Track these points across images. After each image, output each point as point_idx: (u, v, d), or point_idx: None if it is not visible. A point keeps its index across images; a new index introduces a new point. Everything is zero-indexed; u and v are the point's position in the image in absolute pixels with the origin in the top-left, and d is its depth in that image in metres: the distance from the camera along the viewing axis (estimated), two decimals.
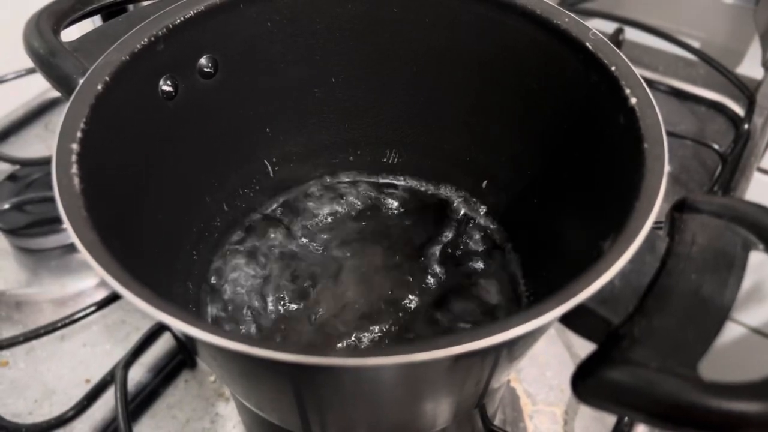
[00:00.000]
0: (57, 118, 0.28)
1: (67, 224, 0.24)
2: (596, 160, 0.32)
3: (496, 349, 0.23)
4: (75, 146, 0.27)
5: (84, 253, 0.23)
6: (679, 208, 0.27)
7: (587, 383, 0.22)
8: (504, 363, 0.29)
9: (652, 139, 0.27)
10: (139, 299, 0.22)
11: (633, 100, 0.28)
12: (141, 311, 0.21)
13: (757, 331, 0.85)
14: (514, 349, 0.27)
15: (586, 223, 0.31)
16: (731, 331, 0.86)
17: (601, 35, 0.32)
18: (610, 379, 0.22)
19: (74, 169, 0.26)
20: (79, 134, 0.27)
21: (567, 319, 0.24)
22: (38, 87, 0.74)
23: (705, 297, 0.23)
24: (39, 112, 0.74)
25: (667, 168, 0.25)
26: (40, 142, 0.71)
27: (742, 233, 0.25)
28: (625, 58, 0.30)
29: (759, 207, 0.25)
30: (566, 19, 0.33)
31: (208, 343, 0.21)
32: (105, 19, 0.37)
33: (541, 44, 0.34)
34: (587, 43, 0.31)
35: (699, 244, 0.25)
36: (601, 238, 0.26)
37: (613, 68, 0.30)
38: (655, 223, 0.24)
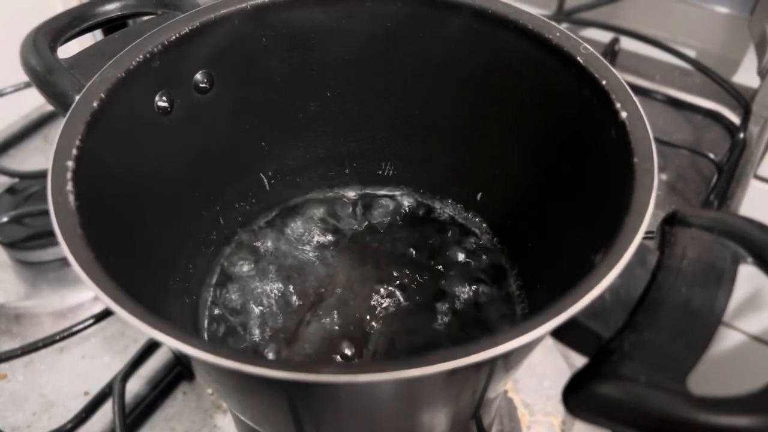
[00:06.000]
0: (56, 131, 0.28)
1: (61, 242, 0.24)
2: (588, 174, 0.32)
3: (487, 363, 0.24)
4: (70, 163, 0.27)
5: (78, 271, 0.23)
6: (670, 222, 0.27)
7: (577, 397, 0.23)
8: (498, 375, 0.29)
9: (642, 154, 0.27)
10: (133, 316, 0.22)
11: (623, 114, 0.29)
12: (135, 328, 0.22)
13: (757, 339, 0.85)
14: (506, 362, 0.27)
15: (578, 237, 0.31)
16: (732, 339, 0.87)
17: (592, 49, 0.32)
18: (599, 394, 0.22)
19: (69, 186, 0.26)
20: (74, 151, 0.27)
21: (558, 333, 0.24)
22: (37, 100, 0.75)
23: (694, 311, 0.23)
24: (38, 124, 0.75)
25: (656, 182, 0.26)
26: (39, 155, 0.71)
27: (732, 247, 0.25)
28: (616, 73, 0.30)
29: (748, 221, 0.25)
30: (557, 34, 0.33)
31: (200, 360, 0.21)
32: (106, 34, 0.37)
33: (533, 58, 0.34)
34: (578, 57, 0.32)
35: (689, 258, 0.25)
36: (593, 252, 0.26)
37: (603, 82, 0.30)
38: (647, 233, 0.24)
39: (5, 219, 0.58)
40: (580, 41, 0.32)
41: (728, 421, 0.20)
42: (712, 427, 0.20)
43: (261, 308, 0.40)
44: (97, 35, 0.61)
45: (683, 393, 0.21)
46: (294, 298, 0.40)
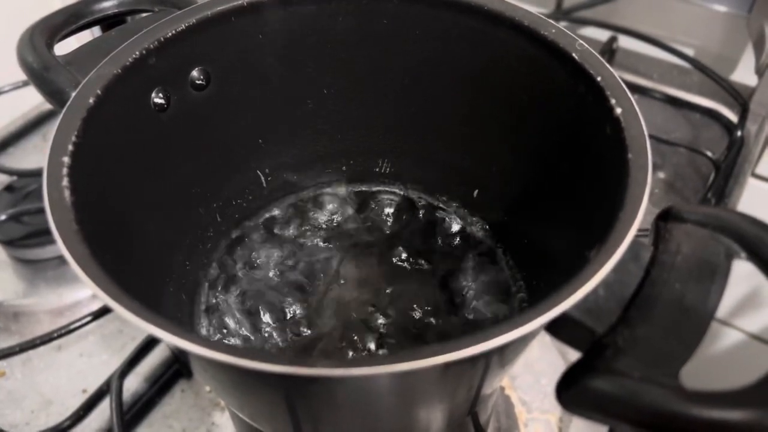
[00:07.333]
0: (54, 129, 0.29)
1: (57, 238, 0.24)
2: (584, 171, 0.33)
3: (482, 357, 0.24)
4: (66, 159, 0.27)
5: (74, 267, 0.23)
6: (665, 218, 0.27)
7: (571, 392, 0.23)
8: (493, 370, 0.29)
9: (637, 149, 0.27)
10: (129, 312, 0.22)
11: (618, 110, 0.29)
12: (131, 324, 0.22)
13: (755, 337, 0.85)
14: (502, 356, 0.27)
15: (574, 233, 0.31)
16: (730, 337, 0.87)
17: (587, 46, 0.32)
18: (593, 388, 0.22)
19: (65, 182, 0.26)
20: (70, 147, 0.27)
21: (552, 328, 0.24)
22: (36, 98, 0.75)
23: (688, 306, 0.23)
24: (37, 123, 0.75)
25: (650, 178, 0.26)
26: (37, 153, 0.71)
27: (726, 242, 0.25)
28: (611, 69, 0.30)
29: (742, 216, 0.25)
30: (553, 30, 0.33)
31: (196, 354, 0.21)
32: (104, 31, 0.37)
33: (530, 56, 0.34)
34: (574, 54, 0.32)
35: (683, 253, 0.25)
36: (588, 248, 0.26)
37: (598, 78, 0.30)
38: (642, 230, 0.24)
39: (3, 217, 0.59)
40: (576, 38, 0.32)
41: (721, 414, 0.20)
42: (705, 421, 0.20)
43: (257, 306, 0.40)
44: (94, 32, 0.61)
45: (676, 387, 0.21)
46: (291, 295, 0.40)
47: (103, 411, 0.48)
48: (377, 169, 0.46)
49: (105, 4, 0.38)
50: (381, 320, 0.39)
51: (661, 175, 0.66)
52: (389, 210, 0.45)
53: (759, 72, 0.66)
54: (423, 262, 0.42)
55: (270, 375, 0.21)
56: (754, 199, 0.69)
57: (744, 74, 0.74)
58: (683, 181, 0.66)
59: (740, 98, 0.69)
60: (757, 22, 0.67)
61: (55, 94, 0.33)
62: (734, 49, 0.76)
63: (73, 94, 0.30)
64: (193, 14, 0.35)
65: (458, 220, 0.44)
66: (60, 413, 0.48)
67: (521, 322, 0.21)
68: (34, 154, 0.71)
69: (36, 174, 0.64)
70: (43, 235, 0.58)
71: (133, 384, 0.50)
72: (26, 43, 0.34)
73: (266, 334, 0.39)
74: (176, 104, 0.35)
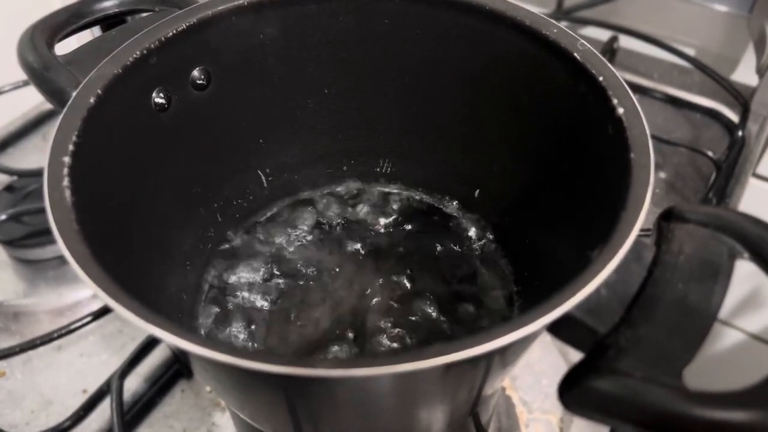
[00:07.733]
0: (55, 129, 0.29)
1: (57, 237, 0.24)
2: (585, 171, 0.32)
3: (483, 358, 0.24)
4: (67, 159, 0.27)
5: (74, 267, 0.23)
6: (667, 217, 0.27)
7: (573, 392, 0.23)
8: (495, 371, 0.29)
9: (639, 149, 0.27)
10: (129, 312, 0.22)
11: (620, 110, 0.29)
12: (131, 324, 0.22)
13: (756, 338, 0.85)
14: (503, 357, 0.27)
15: (575, 233, 0.31)
16: (731, 337, 0.87)
17: (589, 46, 0.32)
18: (595, 389, 0.22)
19: (66, 182, 0.26)
20: (71, 147, 0.27)
21: (554, 329, 0.24)
22: (36, 98, 0.75)
23: (691, 306, 0.23)
24: (37, 123, 0.75)
25: (653, 178, 0.26)
26: (37, 153, 0.71)
27: (728, 242, 0.25)
28: (613, 69, 0.30)
29: (744, 216, 0.25)
30: (555, 30, 0.33)
31: (197, 355, 0.21)
32: (104, 31, 0.37)
33: (530, 55, 0.34)
34: (575, 54, 0.32)
35: (686, 253, 0.25)
36: (590, 248, 0.26)
37: (600, 78, 0.30)
38: (644, 230, 0.24)
39: (4, 217, 0.58)
40: (577, 38, 0.32)
41: (723, 415, 0.20)
42: (707, 422, 0.20)
43: (258, 305, 0.40)
44: (95, 32, 0.61)
45: (679, 388, 0.21)
46: (292, 294, 0.40)
47: (104, 411, 0.48)
48: (378, 169, 0.46)
49: (105, 4, 0.38)
50: (381, 321, 0.39)
51: (662, 175, 0.66)
52: (390, 210, 0.45)
53: (760, 72, 0.66)
54: (422, 261, 0.42)
55: (270, 375, 0.21)
56: (755, 199, 0.69)
57: (745, 74, 0.74)
58: (684, 181, 0.66)
59: (741, 98, 0.69)
60: (758, 22, 0.67)
61: (55, 93, 0.33)
62: (735, 48, 0.76)
63: (74, 94, 0.30)
64: (193, 14, 0.35)
65: (459, 220, 0.44)
66: (60, 413, 0.48)
67: (524, 322, 0.21)
68: (34, 154, 0.71)
69: (36, 174, 0.64)
70: (43, 235, 0.58)
71: (133, 384, 0.50)
72: (27, 42, 0.34)
73: (267, 335, 0.39)
74: (177, 104, 0.35)
